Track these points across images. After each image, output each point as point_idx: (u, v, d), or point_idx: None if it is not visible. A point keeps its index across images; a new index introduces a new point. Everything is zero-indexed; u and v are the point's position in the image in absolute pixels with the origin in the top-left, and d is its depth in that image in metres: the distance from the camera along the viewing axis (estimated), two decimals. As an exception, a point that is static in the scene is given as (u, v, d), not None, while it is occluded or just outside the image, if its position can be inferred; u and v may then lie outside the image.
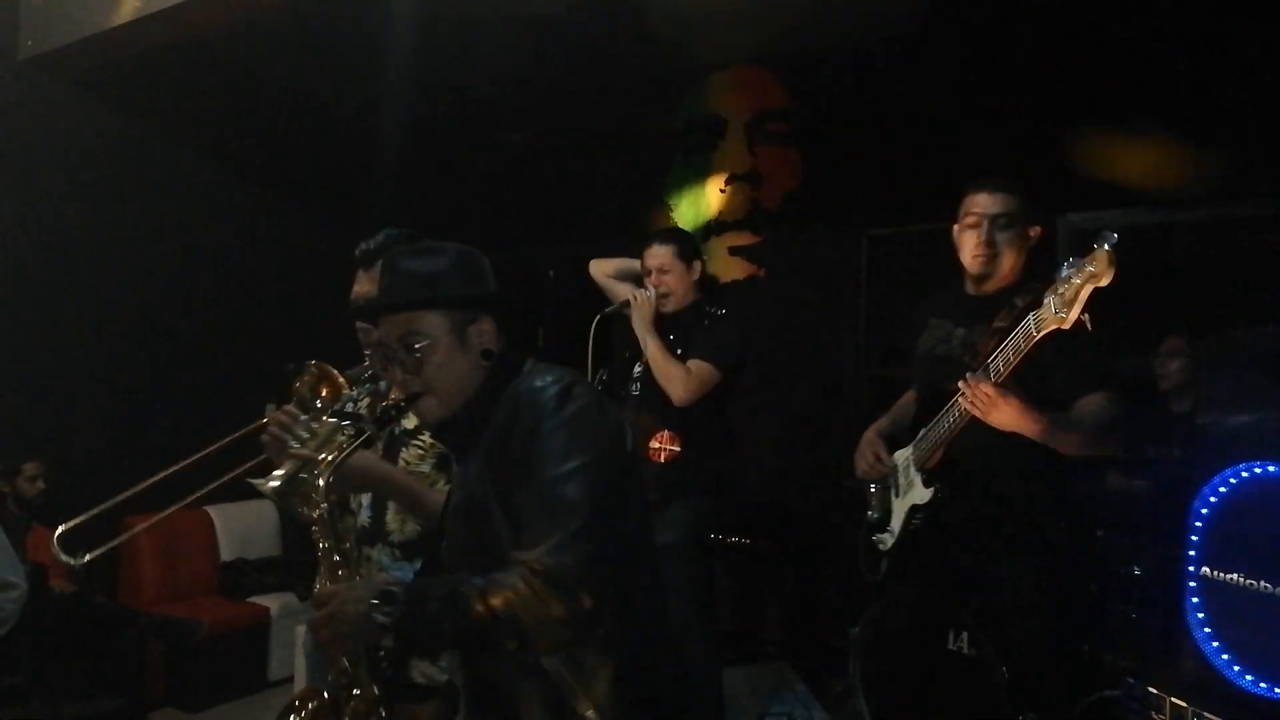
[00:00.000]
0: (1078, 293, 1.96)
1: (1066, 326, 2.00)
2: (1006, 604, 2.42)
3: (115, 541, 1.91)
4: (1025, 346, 2.09)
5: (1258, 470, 2.23)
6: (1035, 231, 2.42)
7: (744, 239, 5.23)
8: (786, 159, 5.09)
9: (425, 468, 2.06)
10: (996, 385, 2.12)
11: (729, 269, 5.22)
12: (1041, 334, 2.05)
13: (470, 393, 1.51)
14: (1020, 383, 2.18)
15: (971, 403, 2.15)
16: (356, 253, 2.14)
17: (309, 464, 1.60)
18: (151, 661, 4.30)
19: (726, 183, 5.26)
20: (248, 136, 5.22)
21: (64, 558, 1.76)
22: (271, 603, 4.73)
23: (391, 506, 2.09)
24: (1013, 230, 2.37)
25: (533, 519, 1.35)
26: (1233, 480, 2.26)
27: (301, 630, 4.17)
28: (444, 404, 1.51)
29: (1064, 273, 2.00)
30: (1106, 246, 1.94)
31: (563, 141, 5.49)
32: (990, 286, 2.42)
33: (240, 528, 5.05)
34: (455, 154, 5.76)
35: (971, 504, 2.39)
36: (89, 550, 1.80)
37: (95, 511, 1.88)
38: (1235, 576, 2.18)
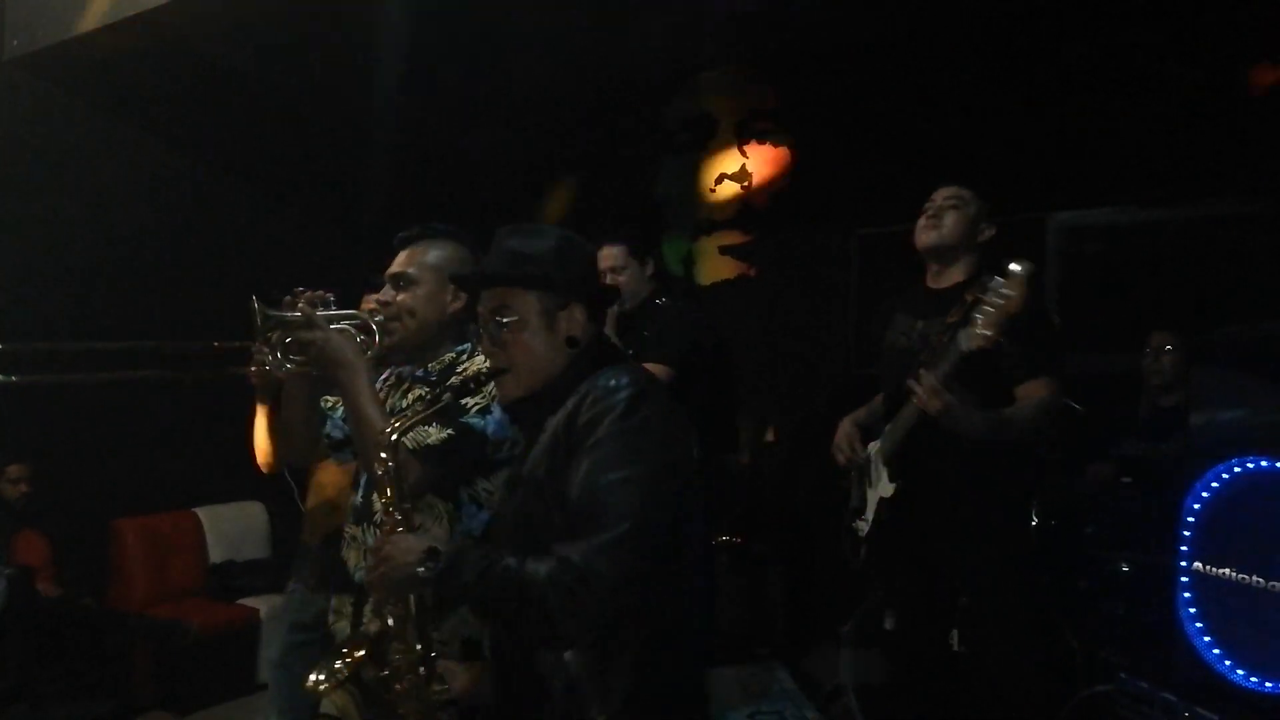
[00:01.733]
0: (995, 319, 2.10)
1: (988, 347, 2.13)
2: (979, 599, 2.44)
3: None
4: (955, 360, 2.20)
5: (1249, 466, 2.24)
6: (988, 231, 2.53)
7: (734, 238, 5.23)
8: (777, 158, 5.09)
9: (412, 406, 1.97)
10: (940, 387, 2.20)
11: (719, 268, 5.23)
12: (970, 350, 2.16)
13: (549, 376, 1.52)
14: (970, 359, 2.27)
15: (920, 396, 2.24)
16: (395, 239, 2.13)
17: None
18: (140, 664, 4.27)
19: (716, 182, 5.26)
20: (233, 136, 5.19)
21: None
22: (261, 605, 4.70)
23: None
24: (960, 211, 2.50)
25: (580, 516, 1.35)
26: (1225, 476, 2.27)
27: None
28: (521, 383, 1.53)
29: (989, 290, 2.14)
30: (1018, 272, 2.11)
31: (552, 141, 5.49)
32: (945, 281, 2.54)
33: (229, 529, 5.01)
34: (443, 152, 5.75)
35: (932, 499, 2.44)
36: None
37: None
38: (1227, 571, 2.20)
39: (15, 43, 4.28)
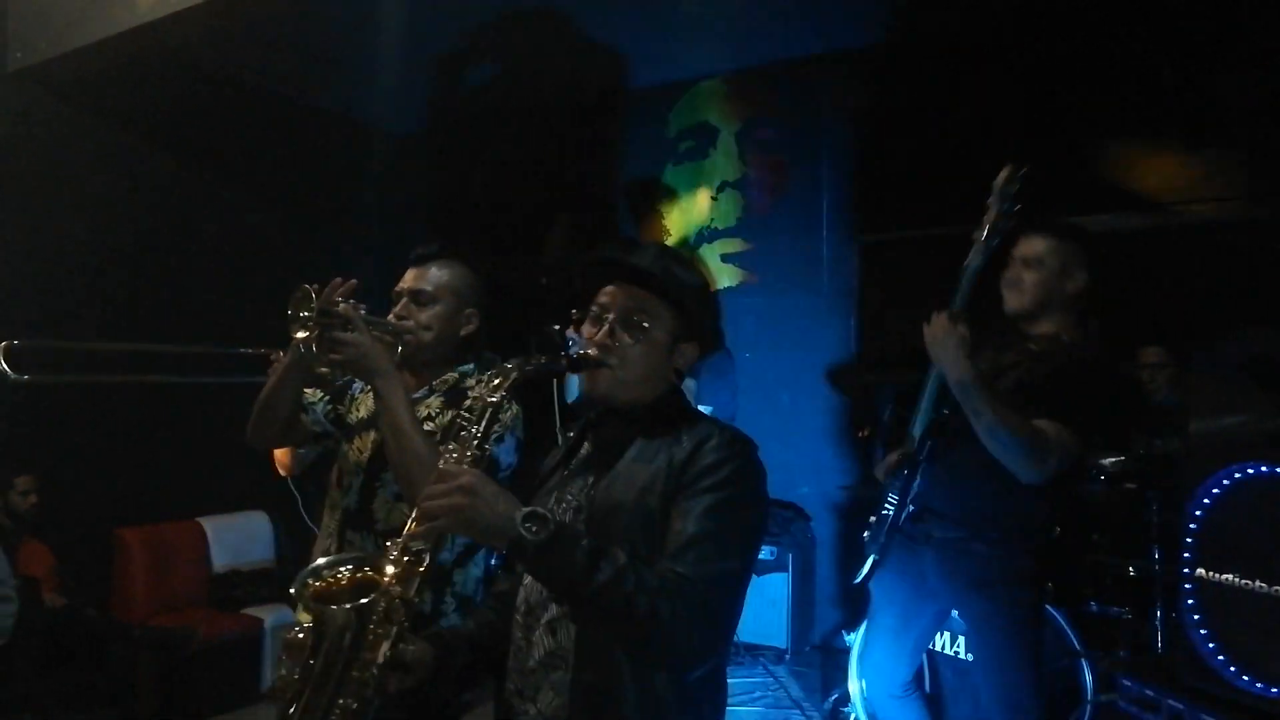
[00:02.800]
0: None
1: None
2: (991, 609, 2.44)
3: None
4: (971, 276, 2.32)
5: (1250, 471, 2.24)
6: (1078, 279, 2.44)
7: (735, 246, 5.25)
8: (777, 166, 5.11)
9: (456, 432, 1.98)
10: (949, 318, 2.25)
11: (721, 276, 5.24)
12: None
13: (643, 396, 1.52)
14: (1007, 373, 2.30)
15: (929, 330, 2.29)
16: (413, 255, 2.15)
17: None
18: (144, 674, 4.27)
19: (718, 190, 5.28)
20: (235, 146, 5.21)
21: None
22: (265, 614, 4.70)
23: (380, 494, 2.06)
24: (1042, 272, 2.43)
25: (691, 544, 1.35)
26: (1226, 482, 2.27)
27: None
28: (617, 385, 1.50)
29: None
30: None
31: (553, 149, 5.51)
32: (1040, 329, 2.49)
33: (232, 538, 5.01)
34: (447, 161, 5.77)
35: (943, 513, 2.41)
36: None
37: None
38: (1230, 577, 2.20)
39: (18, 55, 4.30)
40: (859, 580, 2.57)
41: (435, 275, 2.09)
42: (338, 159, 5.44)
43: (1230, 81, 3.75)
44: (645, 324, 1.49)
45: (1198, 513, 2.33)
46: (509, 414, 1.98)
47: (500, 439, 1.93)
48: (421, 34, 4.20)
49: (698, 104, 5.32)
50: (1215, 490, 2.30)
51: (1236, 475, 2.27)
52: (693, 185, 5.35)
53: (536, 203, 5.51)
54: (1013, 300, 2.47)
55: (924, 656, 2.81)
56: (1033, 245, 2.46)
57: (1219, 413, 2.38)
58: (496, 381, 1.50)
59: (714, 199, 5.28)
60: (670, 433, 1.47)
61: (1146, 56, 3.91)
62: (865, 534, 2.61)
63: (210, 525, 4.96)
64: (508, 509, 1.29)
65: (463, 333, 2.10)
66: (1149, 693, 2.43)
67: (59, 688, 3.89)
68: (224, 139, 5.13)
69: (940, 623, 2.70)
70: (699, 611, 1.30)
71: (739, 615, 1.41)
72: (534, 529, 1.27)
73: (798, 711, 3.92)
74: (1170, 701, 2.33)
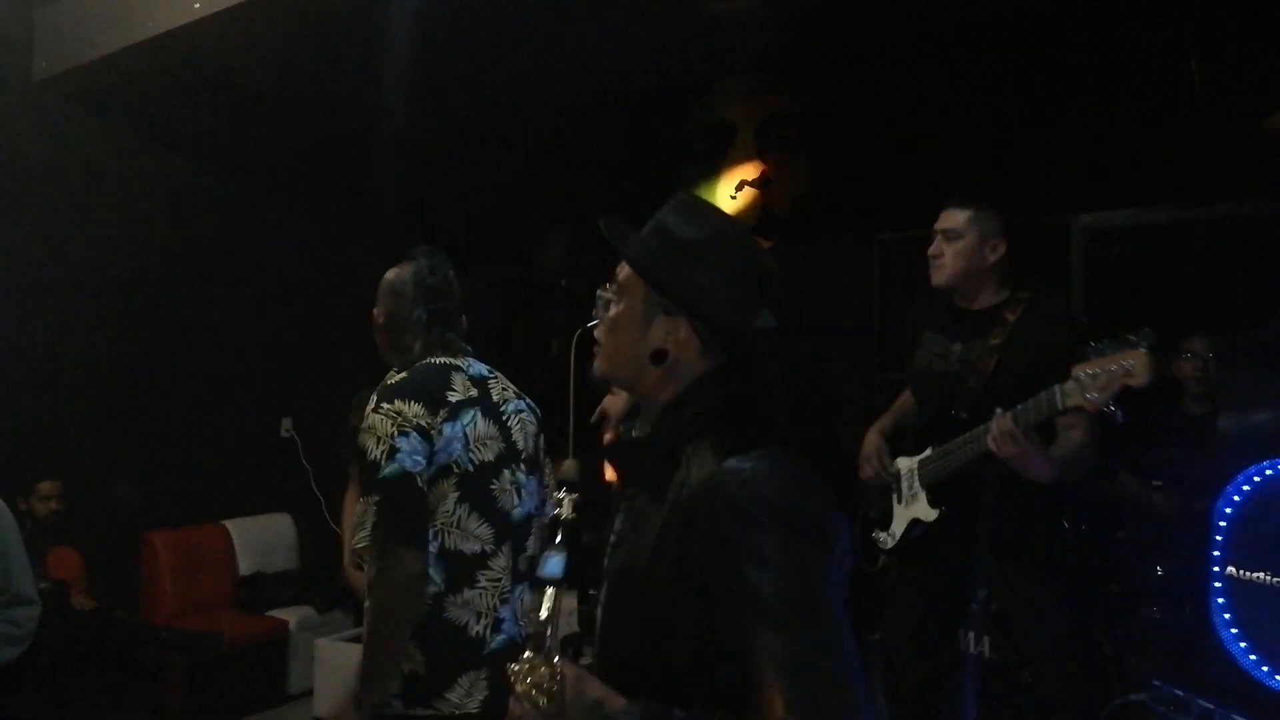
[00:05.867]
0: (1108, 384, 1.98)
1: (1090, 410, 2.04)
2: (1018, 609, 2.42)
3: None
4: (1046, 413, 2.12)
5: (1281, 468, 2.21)
6: (999, 250, 2.46)
7: (755, 245, 5.23)
8: (796, 164, 5.09)
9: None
10: (1022, 434, 2.13)
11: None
12: (1066, 408, 2.08)
13: (629, 381, 1.25)
14: (1008, 389, 2.25)
15: (994, 440, 2.17)
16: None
17: None
18: (172, 676, 4.32)
19: (737, 188, 5.26)
20: (258, 154, 5.26)
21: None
22: (290, 616, 4.74)
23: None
24: (956, 244, 2.45)
25: (769, 692, 0.98)
26: (1256, 479, 2.24)
27: (321, 643, 4.18)
28: (601, 363, 1.27)
29: (1098, 354, 2.02)
30: (1144, 349, 1.95)
31: (571, 149, 5.52)
32: (976, 303, 2.50)
33: (258, 541, 5.06)
34: (462, 166, 5.79)
35: (975, 522, 2.40)
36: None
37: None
38: (1262, 575, 2.17)
39: (43, 65, 4.36)
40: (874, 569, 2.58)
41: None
42: (358, 166, 5.48)
43: (1252, 70, 3.70)
44: (615, 290, 1.25)
45: (1227, 510, 2.30)
46: (382, 419, 1.87)
47: (393, 451, 1.82)
48: (435, 36, 4.21)
49: (715, 102, 5.31)
50: (1245, 487, 2.27)
51: (1267, 472, 2.24)
52: (711, 184, 5.33)
53: (551, 206, 5.52)
54: (937, 275, 2.50)
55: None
56: (951, 217, 2.48)
57: (1248, 409, 2.35)
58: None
59: (732, 197, 5.27)
60: (674, 460, 1.16)
61: (1179, 45, 3.86)
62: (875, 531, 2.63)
63: (236, 528, 5.02)
64: None
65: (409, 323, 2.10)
66: (1179, 693, 2.40)
67: (88, 689, 3.94)
68: (246, 147, 5.19)
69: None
70: None
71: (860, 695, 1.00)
72: None
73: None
74: (1200, 701, 2.30)
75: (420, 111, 4.93)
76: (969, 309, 2.52)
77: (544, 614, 1.14)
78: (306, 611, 4.81)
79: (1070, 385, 2.05)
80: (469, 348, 2.09)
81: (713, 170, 5.32)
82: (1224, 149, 3.73)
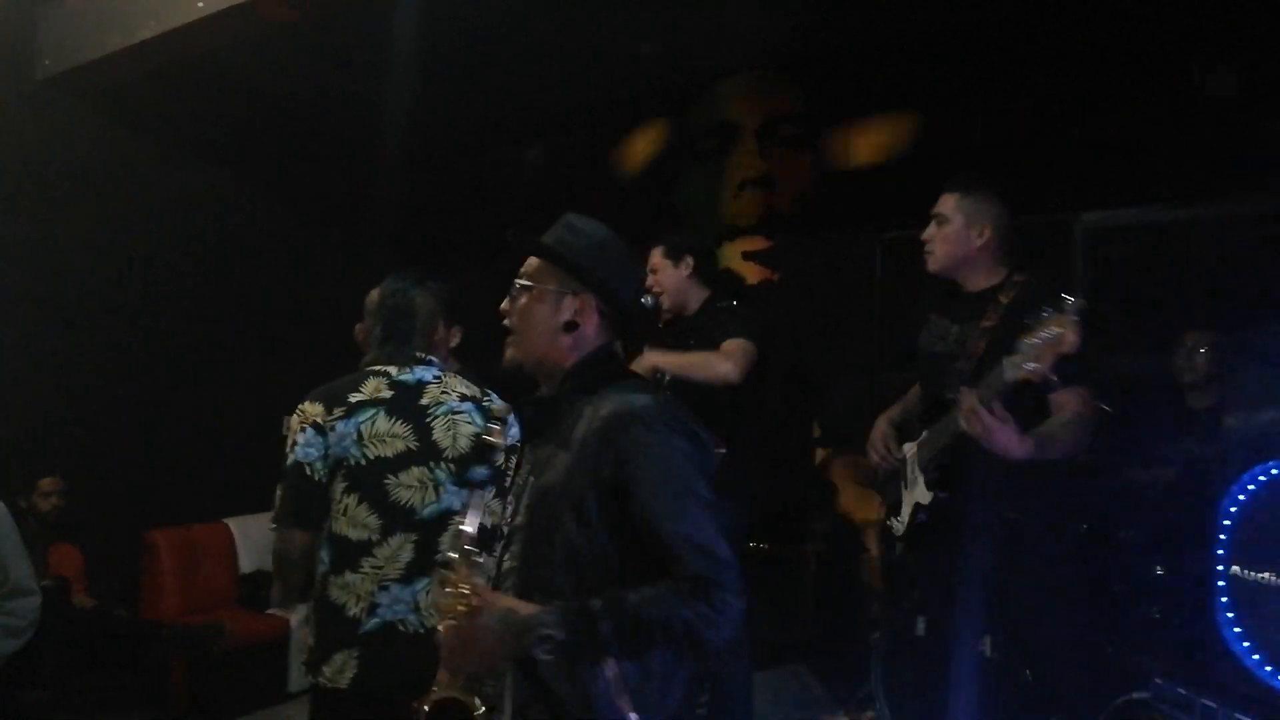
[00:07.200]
0: (1044, 353, 2.02)
1: (1034, 379, 2.07)
2: (1020, 607, 2.42)
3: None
4: (1000, 387, 2.15)
5: (1285, 467, 2.20)
6: (984, 234, 2.47)
7: (758, 244, 5.22)
8: (799, 163, 5.08)
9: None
10: (989, 410, 2.14)
11: (743, 274, 5.22)
12: (1014, 380, 2.10)
13: (545, 356, 1.55)
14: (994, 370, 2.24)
15: (963, 416, 2.18)
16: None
17: None
18: (173, 674, 4.32)
19: (739, 188, 5.26)
20: (262, 152, 5.27)
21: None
22: (291, 614, 4.73)
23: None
24: (944, 229, 2.48)
25: (669, 546, 1.37)
26: (1261, 478, 2.23)
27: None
28: (518, 349, 1.58)
29: (1038, 324, 2.05)
30: (1070, 314, 2.00)
31: (574, 150, 5.52)
32: (973, 286, 2.51)
33: (259, 539, 5.05)
34: (467, 166, 5.79)
35: (969, 507, 2.41)
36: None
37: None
38: (1266, 575, 2.16)
39: (47, 63, 4.36)
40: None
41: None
42: (362, 166, 5.48)
43: (1258, 69, 3.69)
44: (528, 282, 1.56)
45: (1232, 509, 2.29)
46: (294, 418, 2.14)
47: (294, 445, 2.09)
48: (438, 35, 4.21)
49: (718, 101, 5.30)
50: (1250, 486, 2.26)
51: (1273, 471, 2.23)
52: (714, 183, 5.33)
53: (554, 206, 5.51)
54: (930, 261, 2.53)
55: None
56: (942, 203, 2.51)
57: (1254, 407, 2.35)
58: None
59: (735, 197, 5.26)
60: (587, 401, 1.49)
61: (1183, 45, 3.85)
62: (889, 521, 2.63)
63: (237, 526, 5.01)
64: (517, 640, 1.35)
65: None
66: (1181, 691, 2.39)
67: (90, 687, 3.95)
68: (248, 146, 5.19)
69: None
70: (728, 592, 1.34)
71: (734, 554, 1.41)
72: (549, 645, 1.33)
73: (821, 709, 3.90)
74: (1203, 701, 2.30)
75: (423, 110, 4.94)
76: (967, 292, 2.54)
77: (468, 525, 1.48)
78: (307, 610, 4.79)
79: (1016, 357, 2.08)
80: (428, 357, 2.26)
81: (716, 169, 5.32)
82: (1227, 147, 3.72)
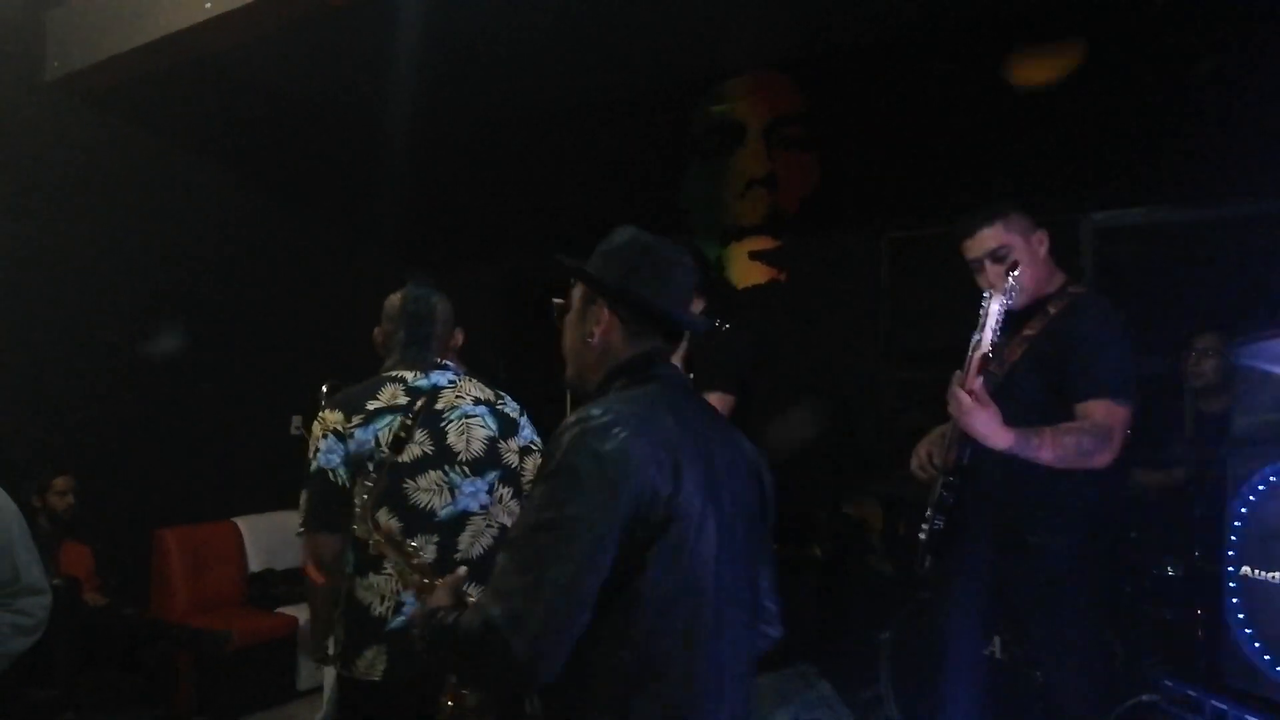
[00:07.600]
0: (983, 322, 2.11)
1: (986, 349, 2.12)
2: (1029, 609, 2.41)
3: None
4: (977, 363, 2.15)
5: (1296, 467, 2.19)
6: (1040, 239, 2.43)
7: (763, 243, 5.22)
8: (805, 163, 5.07)
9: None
10: (971, 393, 2.11)
11: (749, 274, 5.22)
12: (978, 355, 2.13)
13: (584, 373, 1.54)
14: (1035, 371, 2.27)
15: (952, 402, 2.17)
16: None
17: None
18: (182, 673, 4.34)
19: (745, 188, 5.25)
20: (270, 152, 5.28)
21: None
22: (299, 613, 4.74)
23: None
24: (1015, 254, 2.38)
25: (499, 560, 1.39)
26: (1271, 478, 2.22)
27: (331, 641, 4.19)
28: (567, 368, 1.58)
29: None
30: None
31: (576, 150, 5.52)
32: (1021, 300, 2.42)
33: (268, 539, 5.07)
34: (469, 165, 5.80)
35: (980, 507, 2.40)
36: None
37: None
38: (1276, 575, 2.15)
39: (56, 64, 4.38)
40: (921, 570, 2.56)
41: None
42: (369, 166, 5.48)
43: (1266, 69, 3.68)
44: (559, 300, 1.60)
45: (1242, 509, 2.28)
46: (316, 424, 2.22)
47: (316, 451, 2.16)
48: (444, 35, 4.22)
49: (724, 101, 5.30)
50: (1260, 486, 2.25)
51: (1283, 471, 2.22)
52: (719, 182, 5.33)
53: (557, 206, 5.52)
54: (1021, 295, 2.33)
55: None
56: (984, 240, 2.41)
57: (1263, 407, 2.33)
58: None
59: (741, 196, 5.26)
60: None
61: (1182, 44, 3.84)
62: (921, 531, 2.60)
63: (246, 525, 5.03)
64: (421, 625, 1.46)
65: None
66: (1191, 693, 2.38)
67: (98, 686, 3.96)
68: (256, 147, 5.20)
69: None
70: (497, 637, 1.23)
71: (560, 618, 1.24)
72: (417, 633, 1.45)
73: (828, 710, 3.89)
74: (1214, 702, 2.29)
75: (429, 110, 4.94)
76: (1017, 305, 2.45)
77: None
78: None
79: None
80: (445, 361, 2.34)
81: (721, 169, 5.32)
82: (1235, 147, 3.71)
